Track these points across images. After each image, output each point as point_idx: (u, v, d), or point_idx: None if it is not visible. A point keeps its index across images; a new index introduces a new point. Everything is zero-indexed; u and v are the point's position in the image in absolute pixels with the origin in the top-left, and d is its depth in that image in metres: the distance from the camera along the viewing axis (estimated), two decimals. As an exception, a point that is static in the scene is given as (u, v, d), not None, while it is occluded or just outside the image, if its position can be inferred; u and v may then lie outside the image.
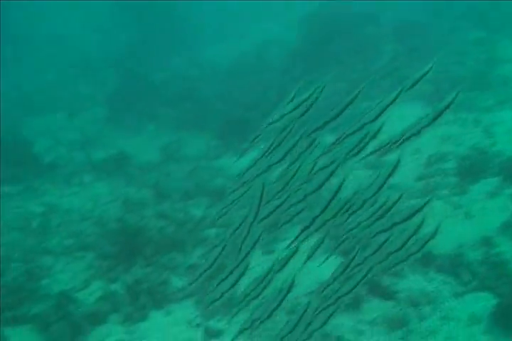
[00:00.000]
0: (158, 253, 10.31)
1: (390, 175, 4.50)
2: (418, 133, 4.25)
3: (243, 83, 21.37)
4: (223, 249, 4.62)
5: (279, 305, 4.50)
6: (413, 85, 4.44)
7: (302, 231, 4.50)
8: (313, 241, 4.67)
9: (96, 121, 22.57)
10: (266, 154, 4.61)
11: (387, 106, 4.43)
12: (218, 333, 8.17)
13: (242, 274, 4.58)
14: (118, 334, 8.50)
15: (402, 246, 4.55)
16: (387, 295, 8.18)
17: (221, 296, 4.53)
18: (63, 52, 31.28)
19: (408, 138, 4.28)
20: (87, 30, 32.06)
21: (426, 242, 4.58)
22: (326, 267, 4.86)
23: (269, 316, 4.46)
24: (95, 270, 10.31)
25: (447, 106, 4.26)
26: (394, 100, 4.41)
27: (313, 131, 4.59)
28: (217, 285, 4.53)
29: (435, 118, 4.27)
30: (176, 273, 9.78)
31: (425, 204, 4.55)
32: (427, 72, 4.43)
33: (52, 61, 30.83)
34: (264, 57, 24.06)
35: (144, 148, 18.92)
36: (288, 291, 4.53)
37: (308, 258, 4.64)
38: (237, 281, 4.54)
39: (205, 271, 4.65)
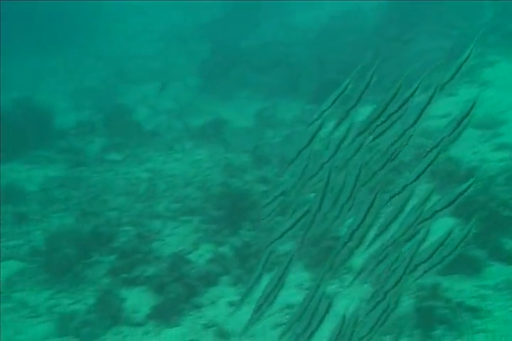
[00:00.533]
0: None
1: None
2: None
3: (335, 45, 20.86)
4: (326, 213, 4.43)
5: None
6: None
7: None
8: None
9: (189, 90, 22.80)
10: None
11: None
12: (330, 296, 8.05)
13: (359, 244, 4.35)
14: (230, 296, 8.58)
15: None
16: (510, 259, 7.78)
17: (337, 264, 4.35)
18: (154, 24, 31.75)
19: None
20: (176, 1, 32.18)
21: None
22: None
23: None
24: (203, 233, 10.44)
25: None
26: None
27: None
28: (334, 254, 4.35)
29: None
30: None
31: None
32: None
33: (143, 33, 31.38)
34: (356, 18, 23.38)
35: (239, 115, 18.94)
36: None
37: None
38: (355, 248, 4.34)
39: (309, 234, 4.48)
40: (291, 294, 8.39)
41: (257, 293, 4.34)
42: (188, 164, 14.25)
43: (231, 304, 8.38)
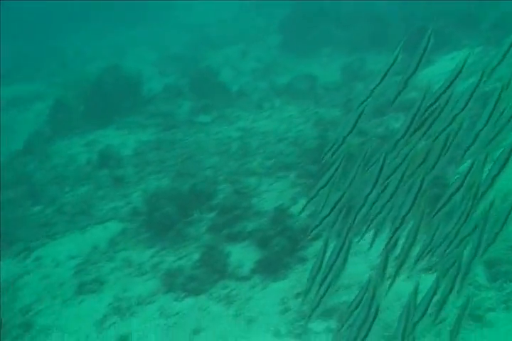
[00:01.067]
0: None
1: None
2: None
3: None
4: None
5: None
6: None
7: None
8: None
9: (272, 49, 22.46)
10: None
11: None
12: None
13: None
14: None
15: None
16: None
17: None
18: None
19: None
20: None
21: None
22: None
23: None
24: (300, 188, 10.18)
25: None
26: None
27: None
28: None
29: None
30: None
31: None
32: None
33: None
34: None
35: (324, 71, 18.44)
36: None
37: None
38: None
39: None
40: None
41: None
42: (279, 121, 13.96)
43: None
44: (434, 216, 3.91)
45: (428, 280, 3.96)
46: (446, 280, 3.82)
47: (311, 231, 3.99)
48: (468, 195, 3.79)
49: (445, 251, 3.83)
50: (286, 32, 22.21)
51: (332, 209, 3.97)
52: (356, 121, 4.09)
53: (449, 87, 3.96)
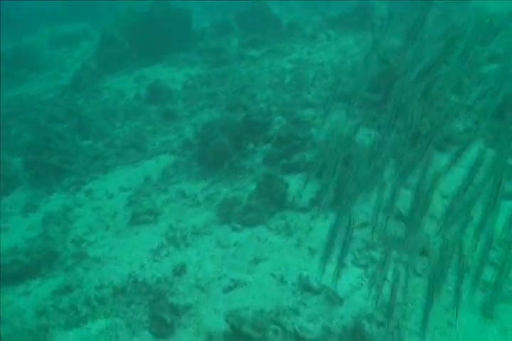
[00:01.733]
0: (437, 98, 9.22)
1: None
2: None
3: None
4: None
5: None
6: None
7: None
8: None
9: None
10: None
11: None
12: None
13: None
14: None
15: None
16: None
17: None
18: None
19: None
20: None
21: None
22: None
23: None
24: (360, 118, 9.60)
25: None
26: None
27: None
28: None
29: None
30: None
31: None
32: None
33: None
34: None
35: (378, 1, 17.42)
36: None
37: None
38: None
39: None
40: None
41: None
42: (334, 52, 13.25)
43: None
44: None
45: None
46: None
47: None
48: None
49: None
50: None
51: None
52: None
53: None
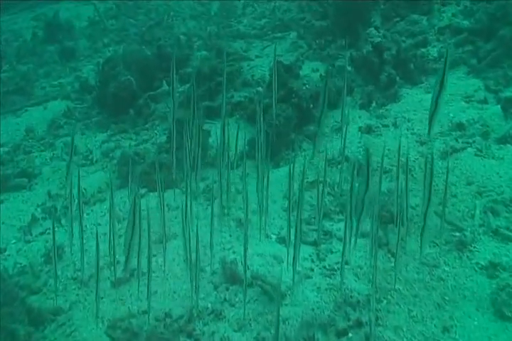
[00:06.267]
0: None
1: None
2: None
3: None
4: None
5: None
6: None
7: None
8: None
9: None
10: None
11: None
12: None
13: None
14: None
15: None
16: None
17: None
18: None
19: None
20: None
21: None
22: None
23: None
24: (305, 50, 7.57)
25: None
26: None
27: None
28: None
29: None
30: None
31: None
32: None
33: None
34: None
35: None
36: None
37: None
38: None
39: None
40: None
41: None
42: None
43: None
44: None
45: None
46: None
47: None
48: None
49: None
50: None
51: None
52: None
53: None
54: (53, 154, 6.78)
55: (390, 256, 4.40)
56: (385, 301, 4.07)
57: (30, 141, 7.27)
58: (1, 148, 7.22)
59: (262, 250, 4.54)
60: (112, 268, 4.71)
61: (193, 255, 4.62)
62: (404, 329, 3.87)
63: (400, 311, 3.99)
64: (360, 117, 6.09)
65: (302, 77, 6.23)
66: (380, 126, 5.80)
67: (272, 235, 4.78)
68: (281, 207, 5.07)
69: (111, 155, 6.49)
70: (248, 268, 4.28)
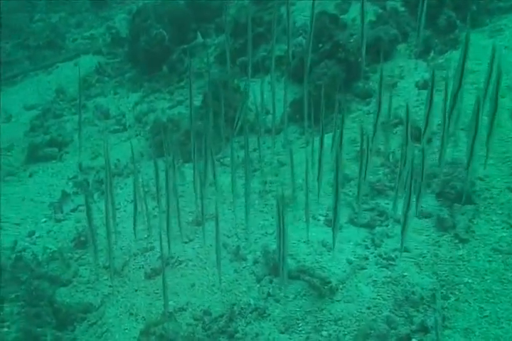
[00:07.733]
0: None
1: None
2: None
3: None
4: None
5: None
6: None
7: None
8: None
9: None
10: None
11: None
12: None
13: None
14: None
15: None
16: None
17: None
18: None
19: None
20: None
21: None
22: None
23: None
24: None
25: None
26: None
27: None
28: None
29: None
30: None
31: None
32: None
33: None
34: None
35: None
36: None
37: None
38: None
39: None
40: None
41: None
42: None
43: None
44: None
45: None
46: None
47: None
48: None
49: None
50: None
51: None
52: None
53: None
54: (84, 118, 6.31)
55: (457, 241, 3.82)
56: (452, 297, 3.53)
57: (60, 103, 6.82)
58: (32, 111, 6.82)
59: (308, 235, 4.02)
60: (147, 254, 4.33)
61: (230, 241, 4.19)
62: (477, 333, 3.35)
63: (470, 310, 3.46)
64: (416, 69, 5.35)
65: (349, 25, 5.48)
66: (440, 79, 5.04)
67: (320, 216, 4.23)
68: (329, 182, 4.50)
69: (144, 120, 5.98)
70: (294, 259, 3.81)
